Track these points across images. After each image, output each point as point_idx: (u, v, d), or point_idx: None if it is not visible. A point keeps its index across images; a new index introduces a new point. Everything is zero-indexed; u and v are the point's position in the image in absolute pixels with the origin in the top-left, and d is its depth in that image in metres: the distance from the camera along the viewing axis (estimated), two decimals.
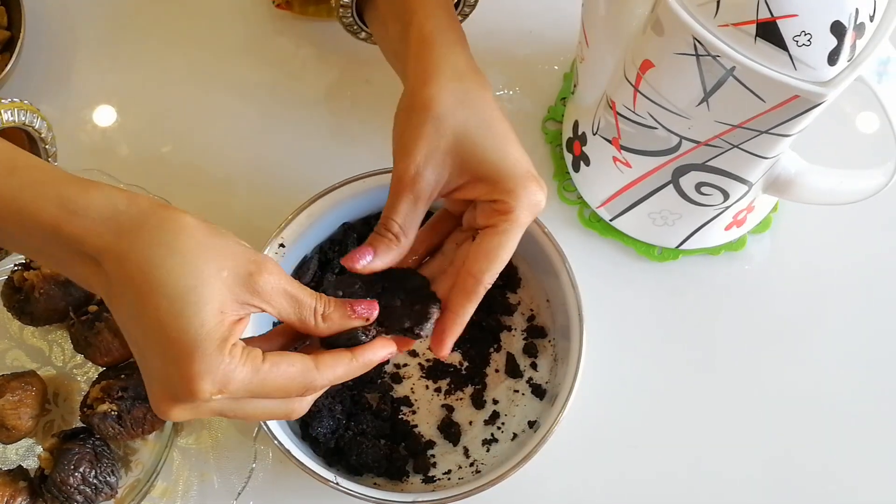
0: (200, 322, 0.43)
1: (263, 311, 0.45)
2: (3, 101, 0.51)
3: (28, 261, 0.65)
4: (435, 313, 0.50)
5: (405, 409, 0.66)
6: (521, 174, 0.50)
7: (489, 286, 0.50)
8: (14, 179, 0.46)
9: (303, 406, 0.48)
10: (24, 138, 0.54)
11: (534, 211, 0.50)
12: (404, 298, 0.50)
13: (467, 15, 0.64)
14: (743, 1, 0.47)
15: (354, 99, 0.75)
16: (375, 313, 0.48)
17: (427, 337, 0.50)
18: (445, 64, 0.52)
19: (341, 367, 0.47)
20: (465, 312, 0.50)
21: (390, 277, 0.51)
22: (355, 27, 0.64)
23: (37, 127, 0.53)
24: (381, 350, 0.49)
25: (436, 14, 0.54)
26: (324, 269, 0.68)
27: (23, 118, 0.52)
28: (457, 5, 0.63)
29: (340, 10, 0.61)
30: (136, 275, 0.43)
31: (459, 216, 0.54)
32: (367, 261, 0.50)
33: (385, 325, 0.49)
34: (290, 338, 0.49)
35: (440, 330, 0.51)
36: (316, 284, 0.68)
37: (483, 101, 0.51)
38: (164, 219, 0.44)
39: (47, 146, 0.55)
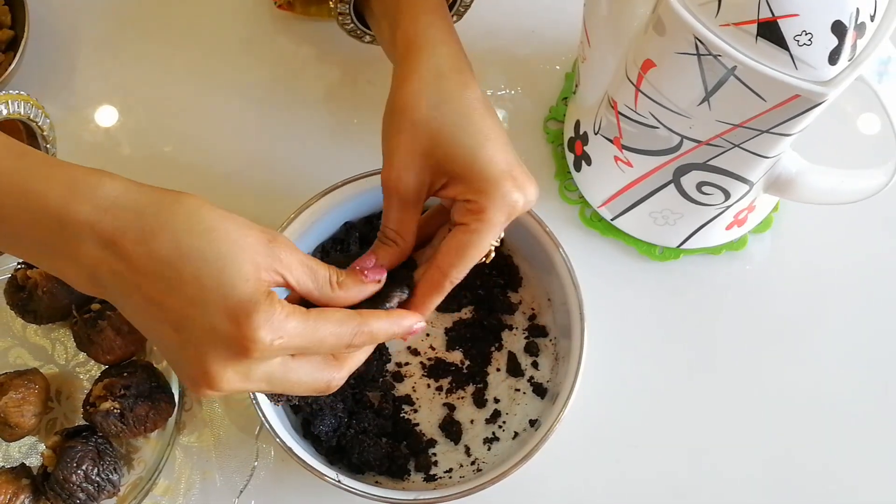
0: (244, 277, 0.43)
1: (284, 280, 0.46)
2: (9, 91, 0.50)
3: None
4: (396, 298, 0.51)
5: (407, 408, 0.67)
6: (495, 174, 0.50)
7: (456, 282, 0.51)
8: (23, 162, 0.45)
9: (341, 375, 0.49)
10: (23, 135, 0.54)
11: (509, 211, 0.50)
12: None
13: (462, 14, 0.64)
14: (744, 0, 0.48)
15: (356, 99, 0.75)
16: (384, 276, 0.50)
17: None
18: (426, 65, 0.52)
19: (383, 321, 0.48)
20: (430, 303, 0.51)
21: None
22: (358, 31, 0.64)
23: (40, 123, 0.53)
24: (412, 318, 0.50)
25: (422, 14, 0.54)
26: None
27: (27, 111, 0.51)
28: (451, 6, 0.63)
29: (339, 17, 0.61)
30: (166, 248, 0.43)
31: None
32: (370, 266, 0.51)
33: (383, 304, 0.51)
34: None
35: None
36: None
37: (461, 100, 0.51)
38: (177, 196, 0.44)
39: (48, 145, 0.55)
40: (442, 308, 0.52)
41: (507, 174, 0.50)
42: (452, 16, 0.63)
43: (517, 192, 0.50)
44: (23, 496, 0.62)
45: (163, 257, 0.43)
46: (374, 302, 0.50)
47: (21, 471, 0.63)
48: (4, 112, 0.50)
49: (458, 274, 0.50)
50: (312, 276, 0.47)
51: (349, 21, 0.62)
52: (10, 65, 0.70)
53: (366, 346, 0.49)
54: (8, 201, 0.45)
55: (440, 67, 0.52)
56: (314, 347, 0.46)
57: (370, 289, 0.49)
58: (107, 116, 0.75)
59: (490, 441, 0.66)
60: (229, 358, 0.44)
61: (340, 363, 0.49)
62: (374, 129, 0.73)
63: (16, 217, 0.45)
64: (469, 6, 0.64)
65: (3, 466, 0.64)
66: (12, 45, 0.72)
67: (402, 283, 0.52)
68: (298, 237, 0.65)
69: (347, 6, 0.61)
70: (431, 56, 0.53)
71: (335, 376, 0.49)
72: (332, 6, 0.61)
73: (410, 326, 0.50)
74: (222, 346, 0.44)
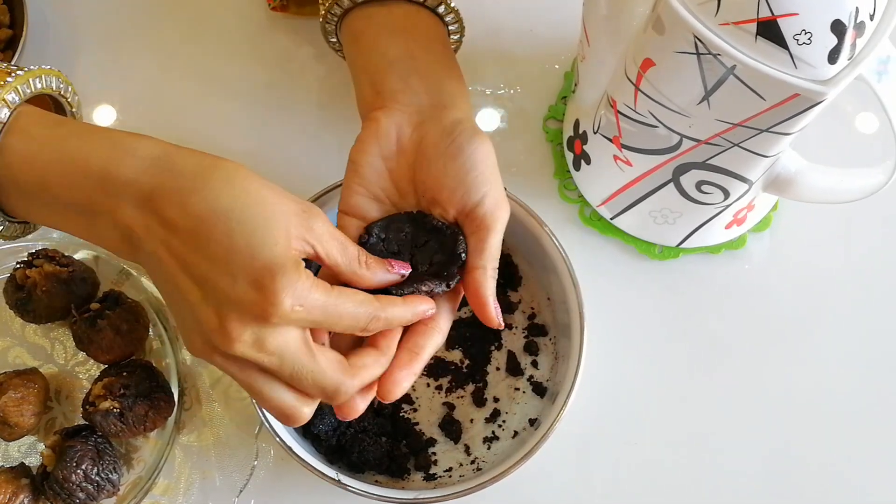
0: (274, 241, 0.44)
1: (314, 251, 0.47)
2: (31, 67, 0.51)
3: (30, 258, 0.65)
4: (427, 287, 0.52)
5: (406, 407, 0.67)
6: None
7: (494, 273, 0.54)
8: (63, 129, 0.48)
9: (353, 384, 0.48)
10: (51, 109, 0.55)
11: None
12: (437, 257, 0.53)
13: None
14: None
15: (355, 98, 0.75)
16: (407, 273, 0.51)
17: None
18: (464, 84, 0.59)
19: (399, 307, 0.50)
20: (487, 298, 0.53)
21: (434, 233, 0.54)
22: (333, 38, 0.64)
23: (69, 99, 0.54)
24: (425, 304, 0.51)
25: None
26: None
27: (58, 86, 0.52)
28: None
29: (329, 16, 0.61)
30: (201, 206, 0.44)
31: None
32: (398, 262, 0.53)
33: (413, 285, 0.51)
34: None
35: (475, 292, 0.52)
36: None
37: None
38: (216, 160, 0.46)
39: (74, 110, 0.56)
40: None
41: None
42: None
43: None
44: (22, 496, 0.62)
45: (197, 214, 0.44)
46: (435, 282, 0.52)
47: (20, 470, 0.63)
48: (39, 86, 0.51)
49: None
50: (342, 250, 0.48)
51: (334, 21, 0.62)
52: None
53: (378, 330, 0.49)
54: (51, 168, 0.47)
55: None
56: (331, 322, 0.47)
57: (392, 278, 0.51)
58: (105, 115, 0.75)
59: (490, 440, 0.66)
60: (248, 320, 0.44)
61: (355, 372, 0.48)
62: None
63: (57, 183, 0.47)
64: (460, 41, 0.64)
65: (3, 466, 0.64)
66: (11, 44, 0.72)
67: (457, 262, 0.53)
68: None
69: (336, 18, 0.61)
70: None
71: (346, 382, 0.48)
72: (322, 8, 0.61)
73: (424, 312, 0.51)
74: (243, 307, 0.44)
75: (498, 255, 0.53)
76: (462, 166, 0.53)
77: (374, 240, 0.54)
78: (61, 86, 0.53)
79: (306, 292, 0.45)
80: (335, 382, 0.47)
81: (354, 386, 0.48)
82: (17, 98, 0.49)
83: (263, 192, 0.46)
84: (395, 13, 0.59)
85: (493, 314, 0.52)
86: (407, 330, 0.52)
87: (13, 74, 0.49)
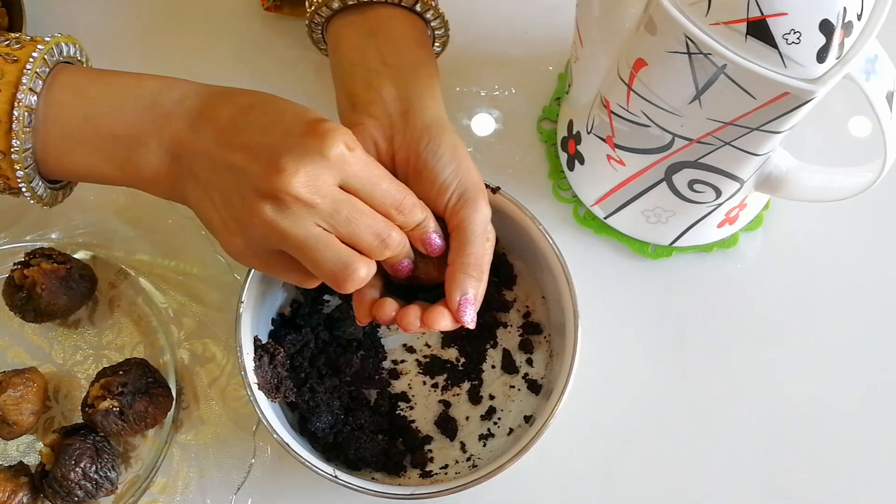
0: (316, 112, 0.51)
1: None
2: (57, 34, 0.54)
3: (27, 258, 0.65)
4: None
5: (403, 405, 0.67)
6: None
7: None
8: (107, 72, 0.55)
9: (385, 250, 0.51)
10: None
11: None
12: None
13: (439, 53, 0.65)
14: None
15: None
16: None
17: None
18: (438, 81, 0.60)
19: (419, 211, 0.54)
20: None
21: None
22: (322, 45, 0.65)
23: (79, 58, 0.57)
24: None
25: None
26: None
27: (76, 53, 0.56)
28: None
29: (316, 16, 0.62)
30: (248, 97, 0.52)
31: None
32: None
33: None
34: None
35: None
36: None
37: None
38: None
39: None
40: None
41: None
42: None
43: None
44: (21, 494, 0.62)
45: (247, 101, 0.51)
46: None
47: (19, 469, 0.64)
48: (65, 52, 0.54)
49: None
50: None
51: (319, 35, 0.63)
52: None
53: (404, 221, 0.52)
54: (100, 97, 0.52)
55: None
56: (372, 183, 0.50)
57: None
58: None
59: (485, 437, 0.66)
60: (302, 157, 0.47)
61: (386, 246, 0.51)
62: None
63: (106, 111, 0.52)
64: (445, 45, 0.65)
65: (2, 465, 0.64)
66: None
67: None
68: None
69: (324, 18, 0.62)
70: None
71: (382, 240, 0.50)
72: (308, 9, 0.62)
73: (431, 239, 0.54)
74: (296, 148, 0.47)
75: (483, 263, 0.54)
76: (431, 173, 0.54)
77: None
78: (79, 53, 0.56)
79: (354, 142, 0.49)
80: (375, 239, 0.50)
81: (372, 269, 0.50)
82: (46, 68, 0.52)
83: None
84: (369, 18, 0.60)
85: (457, 309, 0.53)
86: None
87: (37, 46, 0.52)
